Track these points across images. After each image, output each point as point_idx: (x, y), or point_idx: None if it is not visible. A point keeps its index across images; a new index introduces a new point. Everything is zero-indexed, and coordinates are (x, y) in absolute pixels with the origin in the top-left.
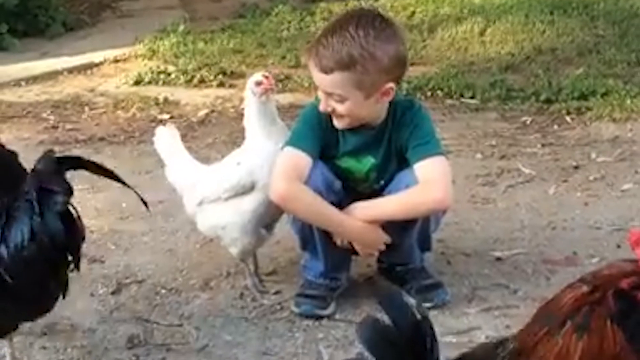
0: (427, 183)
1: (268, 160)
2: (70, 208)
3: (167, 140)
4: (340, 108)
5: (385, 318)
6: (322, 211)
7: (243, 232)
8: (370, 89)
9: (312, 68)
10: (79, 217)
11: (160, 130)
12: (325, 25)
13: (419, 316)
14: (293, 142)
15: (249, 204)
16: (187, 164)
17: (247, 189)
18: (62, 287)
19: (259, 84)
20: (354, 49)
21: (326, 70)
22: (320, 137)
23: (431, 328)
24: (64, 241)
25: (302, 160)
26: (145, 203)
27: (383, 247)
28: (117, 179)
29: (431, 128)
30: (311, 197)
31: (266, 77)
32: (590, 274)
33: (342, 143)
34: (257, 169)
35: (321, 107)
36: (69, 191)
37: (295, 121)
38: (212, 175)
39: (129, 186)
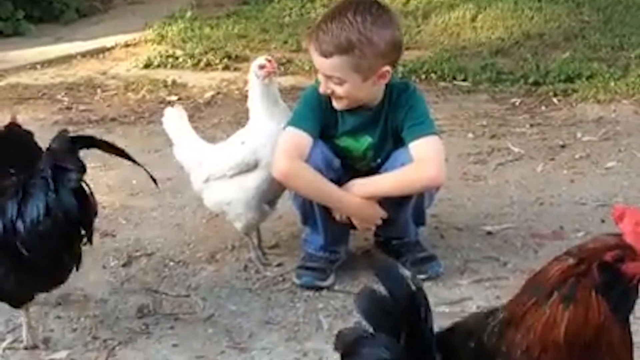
0: (421, 161)
1: (271, 140)
2: (84, 185)
3: (175, 120)
4: (339, 90)
5: (381, 289)
6: (322, 187)
7: (247, 208)
8: (367, 72)
9: (313, 52)
10: (91, 193)
11: (168, 111)
12: (324, 12)
13: (413, 287)
14: (294, 122)
15: (252, 181)
16: (194, 143)
17: (250, 167)
18: (76, 260)
19: (262, 67)
20: (353, 34)
21: (326, 54)
22: (320, 118)
23: (425, 299)
24: (77, 216)
25: (303, 139)
26: (154, 180)
27: (380, 222)
28: (127, 157)
29: (425, 109)
30: (311, 174)
31: (269, 61)
32: (575, 247)
33: (341, 123)
34: (260, 148)
35: (321, 89)
36: (82, 169)
37: (296, 102)
38: (217, 154)
39: (138, 164)
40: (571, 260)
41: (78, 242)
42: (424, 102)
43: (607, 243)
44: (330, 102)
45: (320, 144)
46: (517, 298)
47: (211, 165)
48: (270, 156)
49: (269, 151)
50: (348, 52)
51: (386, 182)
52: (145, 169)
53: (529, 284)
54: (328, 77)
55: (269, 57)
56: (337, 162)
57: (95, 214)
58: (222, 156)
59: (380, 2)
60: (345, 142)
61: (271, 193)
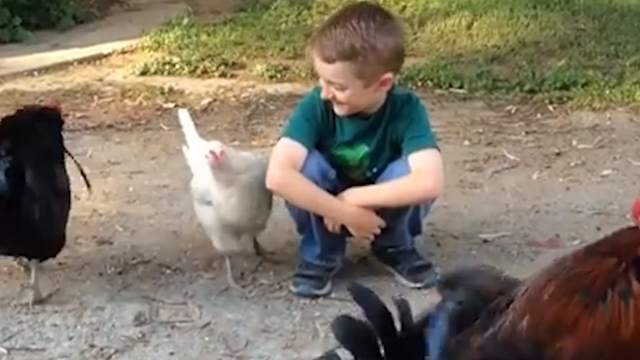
0: (419, 173)
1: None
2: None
3: (188, 121)
4: (341, 96)
5: (357, 314)
6: (316, 197)
7: (210, 234)
8: (370, 79)
9: (315, 57)
10: None
11: (182, 112)
12: (328, 18)
13: (391, 309)
14: (290, 132)
15: (211, 214)
16: (200, 148)
17: (206, 202)
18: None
19: (208, 155)
20: (356, 40)
21: (329, 60)
22: (317, 129)
23: (408, 314)
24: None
25: (297, 150)
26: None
27: (378, 231)
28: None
29: (427, 122)
30: (304, 184)
31: (214, 155)
32: (598, 246)
33: (339, 132)
34: (210, 192)
35: (323, 94)
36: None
37: (293, 110)
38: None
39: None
40: (612, 259)
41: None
42: (426, 115)
43: (637, 237)
44: (328, 111)
45: (316, 154)
46: (554, 305)
47: (193, 181)
48: (222, 200)
49: (221, 197)
50: (351, 59)
51: (383, 192)
52: (78, 165)
53: (565, 289)
54: (330, 83)
55: (217, 150)
56: (332, 173)
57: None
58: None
59: (384, 9)
60: (341, 150)
61: (230, 231)
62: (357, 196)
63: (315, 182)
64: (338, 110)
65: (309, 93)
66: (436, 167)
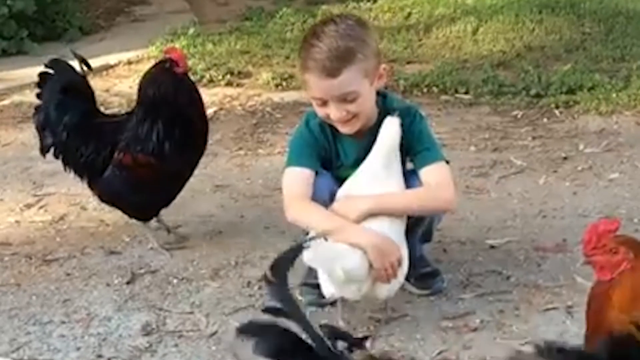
0: (438, 184)
1: None
2: None
3: None
4: (354, 107)
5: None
6: (331, 225)
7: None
8: (372, 74)
9: (315, 79)
10: None
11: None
12: (303, 41)
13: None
14: (292, 162)
15: None
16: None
17: None
18: None
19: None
20: (348, 41)
21: (334, 73)
22: (318, 150)
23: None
24: None
25: (305, 176)
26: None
27: (400, 258)
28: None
29: (431, 133)
30: (319, 213)
31: None
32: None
33: (343, 155)
34: None
35: (335, 116)
36: None
37: (290, 140)
38: None
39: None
40: None
41: None
42: (427, 126)
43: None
44: (327, 135)
45: (326, 175)
46: None
47: None
48: None
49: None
50: (353, 60)
51: (403, 198)
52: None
53: None
54: (342, 100)
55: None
56: None
57: None
58: None
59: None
60: (346, 172)
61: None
62: (375, 201)
63: (326, 204)
64: (348, 129)
65: (302, 120)
66: (451, 179)
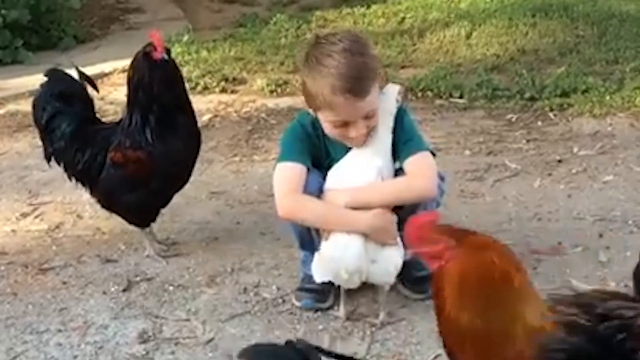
0: (414, 173)
1: None
2: None
3: None
4: (373, 121)
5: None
6: (327, 214)
7: None
8: (381, 81)
9: (348, 103)
10: None
11: None
12: (309, 62)
13: None
14: (284, 157)
15: None
16: None
17: None
18: None
19: None
20: (363, 58)
21: (363, 95)
22: (309, 148)
23: None
24: None
25: (296, 171)
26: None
27: (396, 234)
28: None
29: (413, 125)
30: (314, 204)
31: None
32: None
33: (332, 151)
34: None
35: (357, 134)
36: None
37: (281, 137)
38: None
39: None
40: None
41: None
42: (410, 118)
43: None
44: (318, 134)
45: (315, 172)
46: None
47: None
48: None
49: None
50: (374, 77)
51: (378, 191)
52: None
53: None
54: (367, 117)
55: None
56: None
57: None
58: None
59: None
60: None
61: None
62: (351, 195)
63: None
64: (362, 142)
65: (294, 119)
66: (430, 167)
